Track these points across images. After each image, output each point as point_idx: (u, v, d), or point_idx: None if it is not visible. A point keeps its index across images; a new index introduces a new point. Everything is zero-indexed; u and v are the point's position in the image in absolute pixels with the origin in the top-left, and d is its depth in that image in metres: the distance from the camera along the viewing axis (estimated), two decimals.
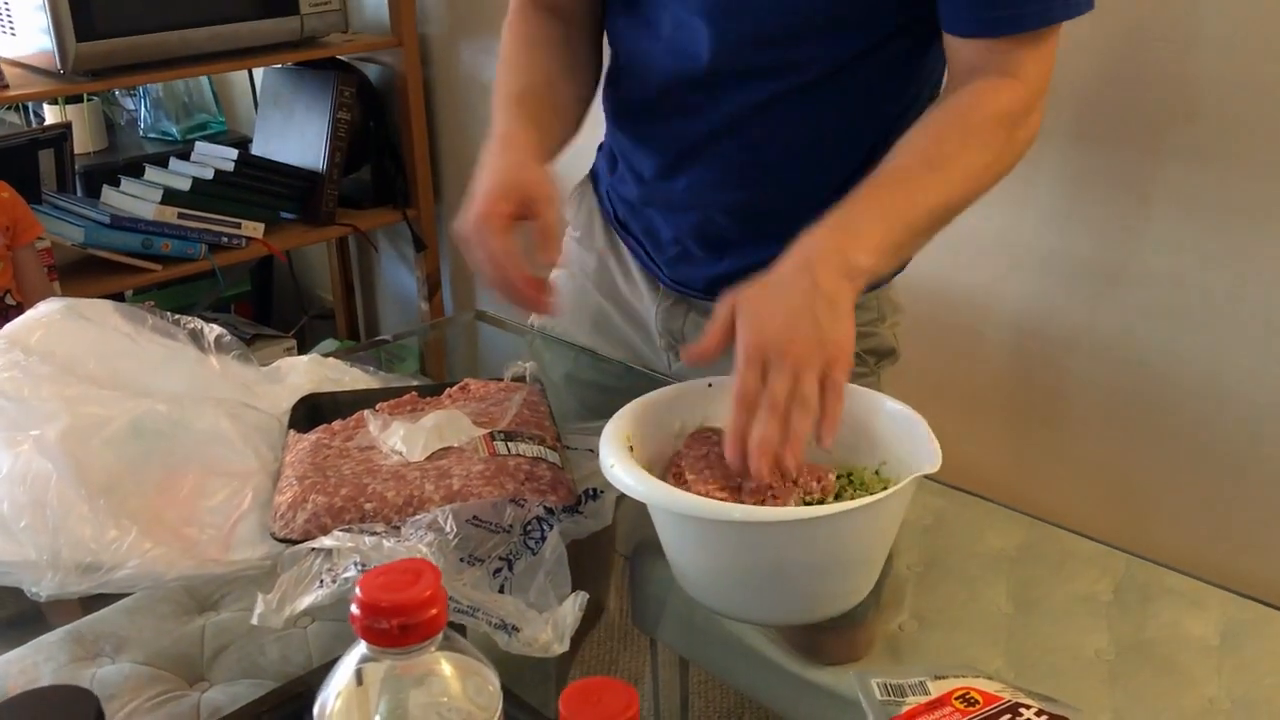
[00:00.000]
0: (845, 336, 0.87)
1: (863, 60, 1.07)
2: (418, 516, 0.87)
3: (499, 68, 1.17)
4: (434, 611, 0.51)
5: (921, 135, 0.99)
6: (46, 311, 1.08)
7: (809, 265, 0.88)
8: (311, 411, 1.06)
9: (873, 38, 1.05)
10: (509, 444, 0.96)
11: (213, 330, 1.12)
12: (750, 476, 0.84)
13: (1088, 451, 1.80)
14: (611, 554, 1.02)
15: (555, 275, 1.39)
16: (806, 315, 0.86)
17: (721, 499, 0.85)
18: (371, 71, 2.73)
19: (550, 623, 0.77)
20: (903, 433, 0.89)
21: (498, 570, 0.84)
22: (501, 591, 0.83)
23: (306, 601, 0.79)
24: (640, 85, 1.17)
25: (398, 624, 0.50)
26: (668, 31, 1.10)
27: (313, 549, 0.84)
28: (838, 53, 1.05)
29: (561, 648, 0.76)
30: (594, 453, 0.99)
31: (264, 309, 3.21)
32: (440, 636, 0.52)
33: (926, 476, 0.83)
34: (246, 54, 2.47)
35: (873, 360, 1.24)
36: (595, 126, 1.25)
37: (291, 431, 1.03)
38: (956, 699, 0.72)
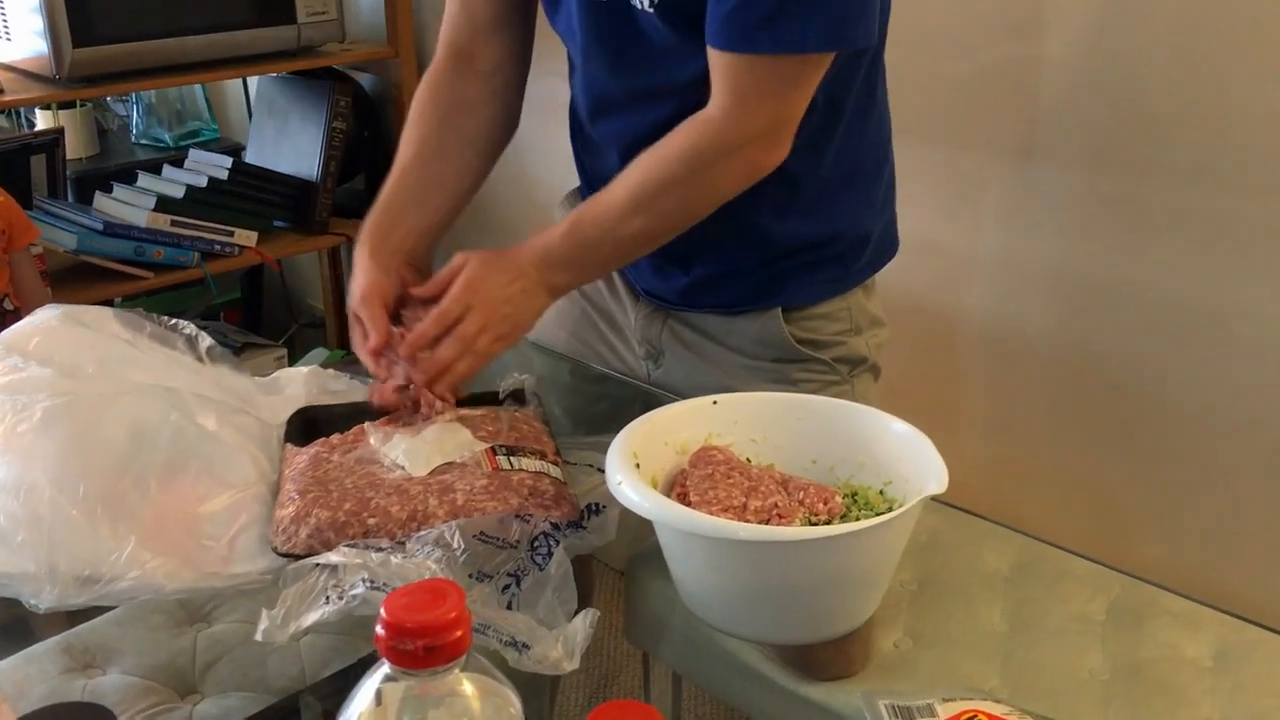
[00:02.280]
0: (523, 326, 1.11)
1: None
2: (423, 532, 0.86)
3: (405, 128, 1.24)
4: (459, 633, 0.51)
5: (634, 169, 1.10)
6: (45, 318, 1.07)
7: (523, 264, 1.10)
8: (307, 424, 1.06)
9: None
10: (511, 458, 0.96)
11: (204, 340, 1.12)
12: (407, 380, 1.05)
13: (1080, 471, 1.81)
14: (593, 569, 1.02)
15: None
16: (510, 296, 1.09)
17: (726, 519, 0.85)
18: (367, 81, 2.73)
19: (560, 640, 0.77)
20: (909, 453, 0.90)
21: (506, 586, 0.84)
22: (510, 608, 0.83)
23: (312, 618, 0.78)
24: (577, 120, 1.27)
25: (423, 645, 0.50)
26: (578, 65, 1.19)
27: (317, 564, 0.83)
28: (700, 74, 1.08)
29: (572, 665, 0.76)
30: (593, 468, 0.99)
31: (254, 317, 3.20)
32: (464, 658, 0.52)
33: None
34: (243, 62, 2.47)
35: (845, 369, 1.26)
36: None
37: (288, 444, 1.03)
38: None
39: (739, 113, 1.05)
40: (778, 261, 1.21)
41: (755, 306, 1.23)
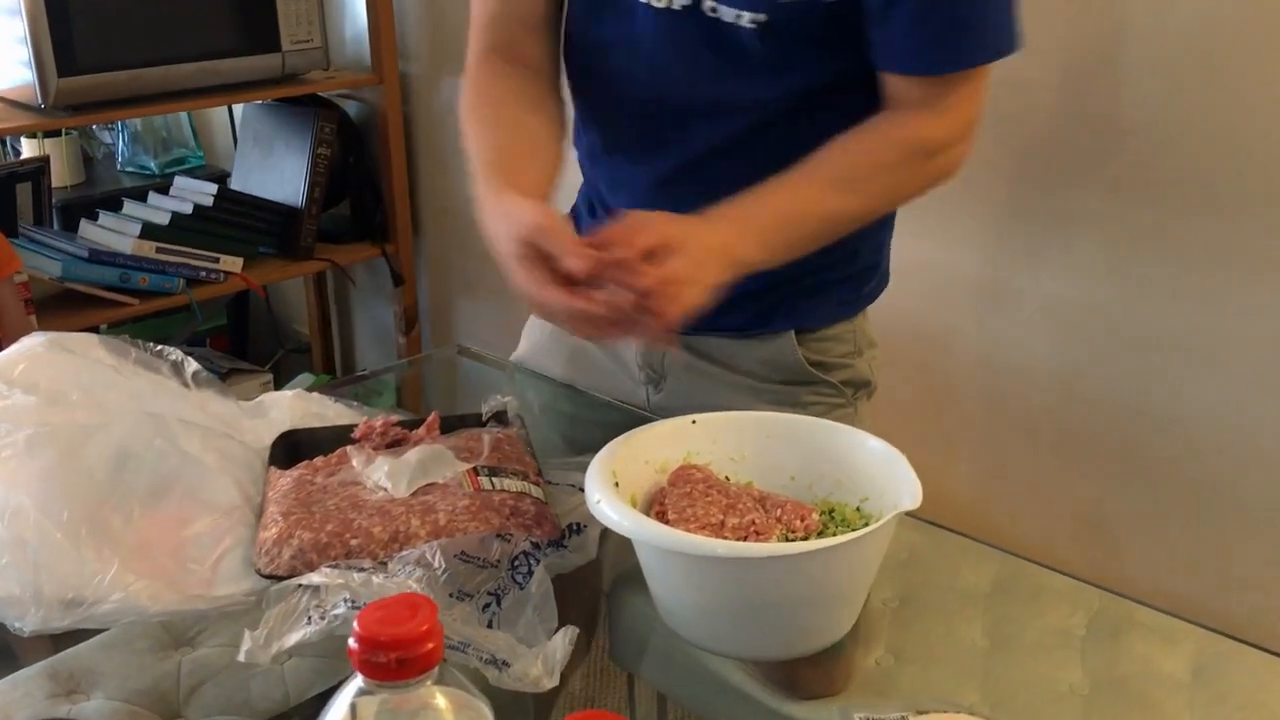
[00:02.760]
0: (695, 295, 0.95)
1: (816, 101, 1.11)
2: (405, 552, 0.87)
3: (470, 120, 1.18)
4: (431, 645, 0.51)
5: (837, 151, 1.06)
6: (30, 345, 1.08)
7: (710, 236, 0.98)
8: (291, 448, 1.07)
9: (817, 82, 1.10)
10: (493, 479, 0.96)
11: (190, 365, 1.12)
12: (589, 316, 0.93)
13: (1060, 488, 1.82)
14: (599, 589, 1.02)
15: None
16: (690, 259, 0.95)
17: (703, 536, 0.86)
18: (351, 108, 2.75)
19: (540, 657, 0.77)
20: (884, 469, 0.91)
21: (486, 605, 0.84)
22: (490, 626, 0.83)
23: (295, 638, 0.79)
24: (611, 129, 1.22)
25: (395, 658, 0.51)
26: (625, 74, 1.15)
27: (300, 585, 0.84)
28: (782, 94, 1.10)
29: (551, 682, 0.77)
30: (575, 487, 1.00)
31: (240, 343, 3.20)
32: (436, 670, 0.53)
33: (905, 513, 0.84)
34: (228, 90, 2.48)
35: (850, 391, 1.26)
36: (571, 169, 1.28)
37: (272, 468, 1.03)
38: None
39: (952, 113, 1.07)
40: (792, 283, 1.20)
41: (766, 329, 1.23)
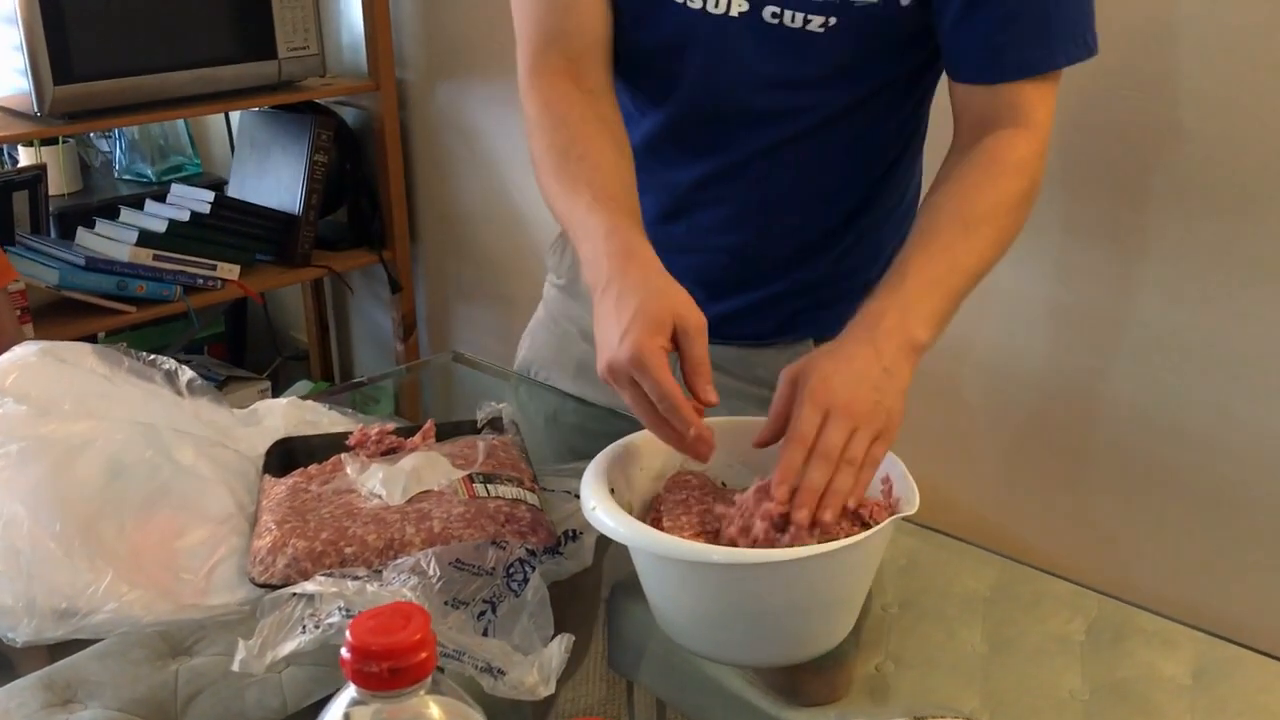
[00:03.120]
0: (898, 410, 0.89)
1: (863, 105, 1.09)
2: (400, 560, 0.87)
3: (551, 146, 1.06)
4: (424, 655, 0.51)
5: (952, 194, 1.01)
6: (22, 354, 1.07)
7: (873, 340, 0.91)
8: (285, 456, 1.06)
9: (873, 85, 1.08)
10: (488, 486, 0.96)
11: (185, 373, 1.12)
12: (790, 520, 0.84)
13: (1061, 493, 1.82)
14: (597, 596, 1.02)
15: (536, 319, 1.40)
16: (868, 382, 0.88)
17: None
18: (348, 115, 2.75)
19: (536, 665, 0.77)
20: (880, 474, 0.90)
21: (481, 613, 0.84)
22: (485, 634, 0.83)
23: (289, 647, 0.78)
24: (650, 134, 1.18)
25: (388, 667, 0.50)
26: (672, 79, 1.11)
27: (294, 594, 0.83)
28: (839, 98, 1.08)
29: (547, 690, 0.76)
30: (571, 494, 0.99)
31: (238, 351, 3.20)
32: (429, 680, 0.52)
33: (903, 518, 0.84)
34: (224, 97, 2.48)
35: None
36: None
37: (266, 476, 1.03)
38: None
39: (1038, 125, 1.04)
40: (814, 291, 1.19)
41: (784, 338, 1.22)
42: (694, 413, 0.87)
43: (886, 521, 0.83)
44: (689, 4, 1.06)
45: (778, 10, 1.03)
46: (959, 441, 1.91)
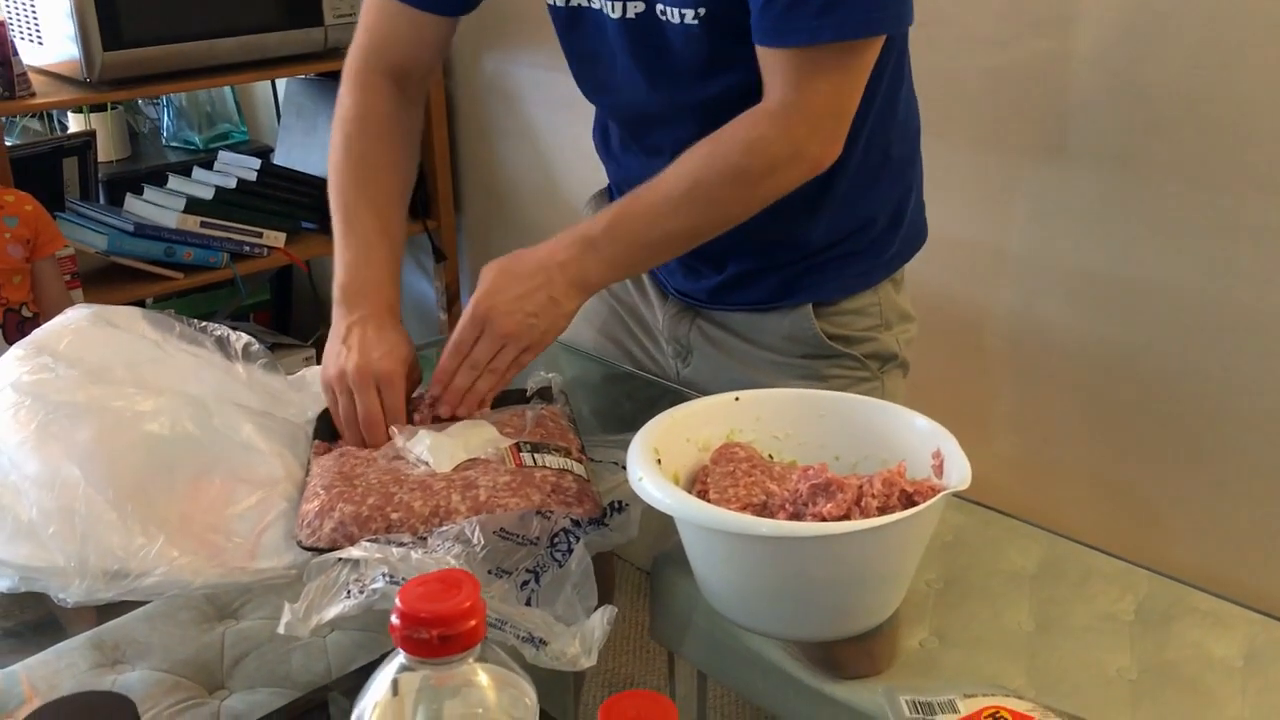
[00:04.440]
0: (555, 329, 1.06)
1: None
2: (445, 528, 0.87)
3: (344, 161, 1.19)
4: (473, 623, 0.51)
5: (688, 160, 1.07)
6: (75, 318, 1.08)
7: (548, 270, 1.05)
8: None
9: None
10: (535, 455, 0.96)
11: (240, 339, 1.13)
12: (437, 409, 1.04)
13: (1102, 467, 1.80)
14: (614, 567, 1.03)
15: None
16: (529, 307, 1.04)
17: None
18: None
19: (578, 636, 0.77)
20: (932, 449, 0.89)
21: (525, 583, 0.84)
22: (529, 604, 0.83)
23: (334, 612, 0.79)
24: (615, 131, 1.26)
25: (437, 634, 0.50)
26: (618, 82, 1.17)
27: (340, 559, 0.84)
28: (745, 79, 1.08)
29: (589, 661, 0.76)
30: (618, 465, 0.99)
31: (283, 318, 3.22)
32: (479, 648, 0.52)
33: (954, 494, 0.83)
34: (270, 64, 2.49)
35: (875, 365, 1.26)
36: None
37: (316, 441, 1.04)
38: (987, 717, 0.71)
39: (801, 105, 1.04)
40: (810, 256, 1.21)
41: (785, 303, 1.23)
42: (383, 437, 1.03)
43: (937, 497, 0.82)
44: (604, 9, 1.11)
45: (664, 8, 1.07)
46: (988, 413, 1.90)
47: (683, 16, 1.06)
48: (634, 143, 1.23)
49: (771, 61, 1.04)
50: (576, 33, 1.17)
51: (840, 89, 1.05)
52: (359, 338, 1.07)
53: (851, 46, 1.03)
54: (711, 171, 1.06)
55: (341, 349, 1.07)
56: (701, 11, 1.05)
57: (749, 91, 1.08)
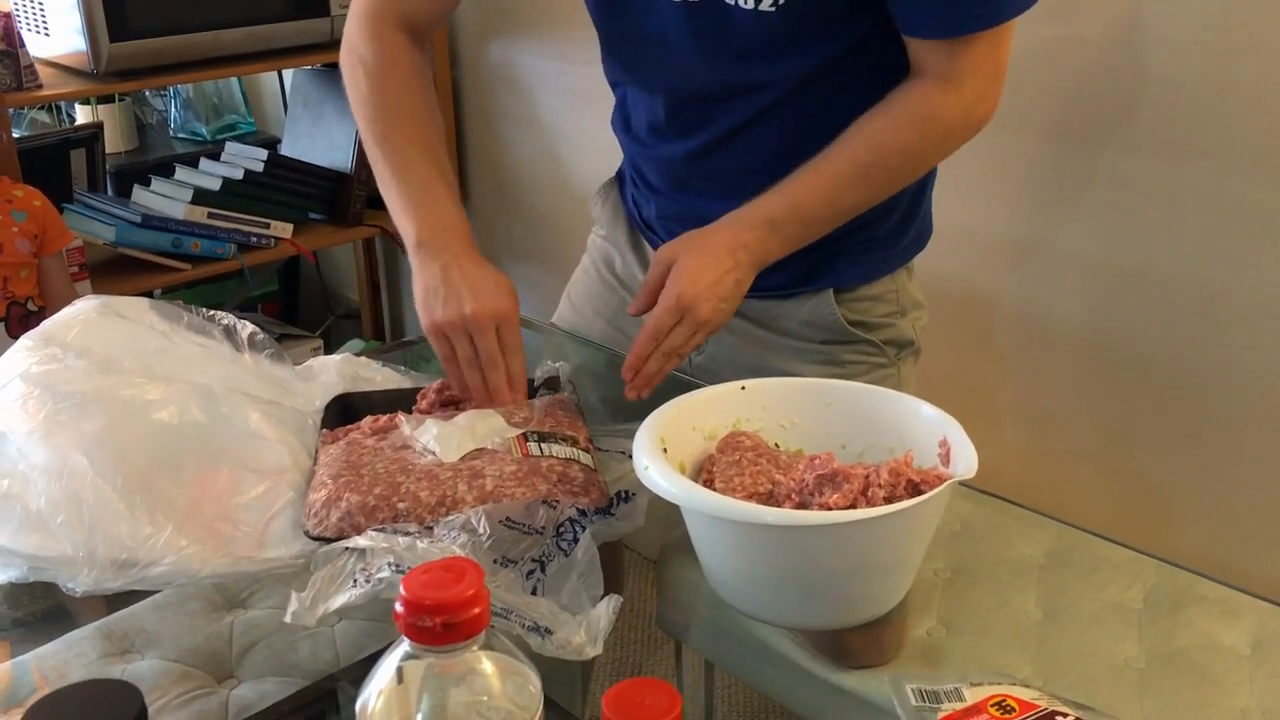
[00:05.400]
0: (733, 310, 1.08)
1: (836, 67, 1.11)
2: (451, 517, 0.87)
3: (380, 106, 1.18)
4: (477, 610, 0.51)
5: (856, 134, 1.08)
6: (84, 308, 1.08)
7: (735, 251, 1.06)
8: (344, 410, 1.07)
9: (842, 47, 1.10)
10: (542, 445, 0.96)
11: (246, 328, 1.13)
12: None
13: (1110, 455, 1.79)
14: (623, 557, 1.03)
15: (580, 267, 1.43)
16: (721, 292, 1.05)
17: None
18: None
19: (583, 625, 0.77)
20: (938, 438, 0.89)
21: (530, 572, 0.84)
22: (534, 593, 0.83)
23: (340, 601, 0.79)
24: (644, 114, 1.24)
25: (441, 622, 0.50)
26: (669, 63, 1.15)
27: (346, 548, 0.84)
28: (808, 65, 1.10)
29: (595, 650, 0.76)
30: (626, 455, 0.99)
31: (291, 309, 3.23)
32: (483, 635, 0.52)
33: (959, 482, 0.83)
34: (277, 55, 2.49)
35: (893, 351, 1.27)
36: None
37: (324, 430, 1.04)
38: (993, 706, 0.71)
39: (969, 73, 1.07)
40: (832, 243, 1.20)
41: (805, 289, 1.23)
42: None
43: (944, 485, 0.82)
44: None
45: None
46: (997, 401, 1.89)
47: (758, 3, 1.05)
48: (673, 122, 1.21)
49: (929, 49, 1.06)
50: (620, 14, 1.15)
51: (999, 49, 1.08)
52: (461, 279, 1.05)
53: (1001, 27, 1.06)
54: (885, 148, 1.08)
55: (445, 292, 1.04)
56: (781, 1, 1.05)
57: (810, 72, 1.09)
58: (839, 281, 1.23)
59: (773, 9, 1.05)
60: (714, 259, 1.05)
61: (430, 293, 1.06)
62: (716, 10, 1.08)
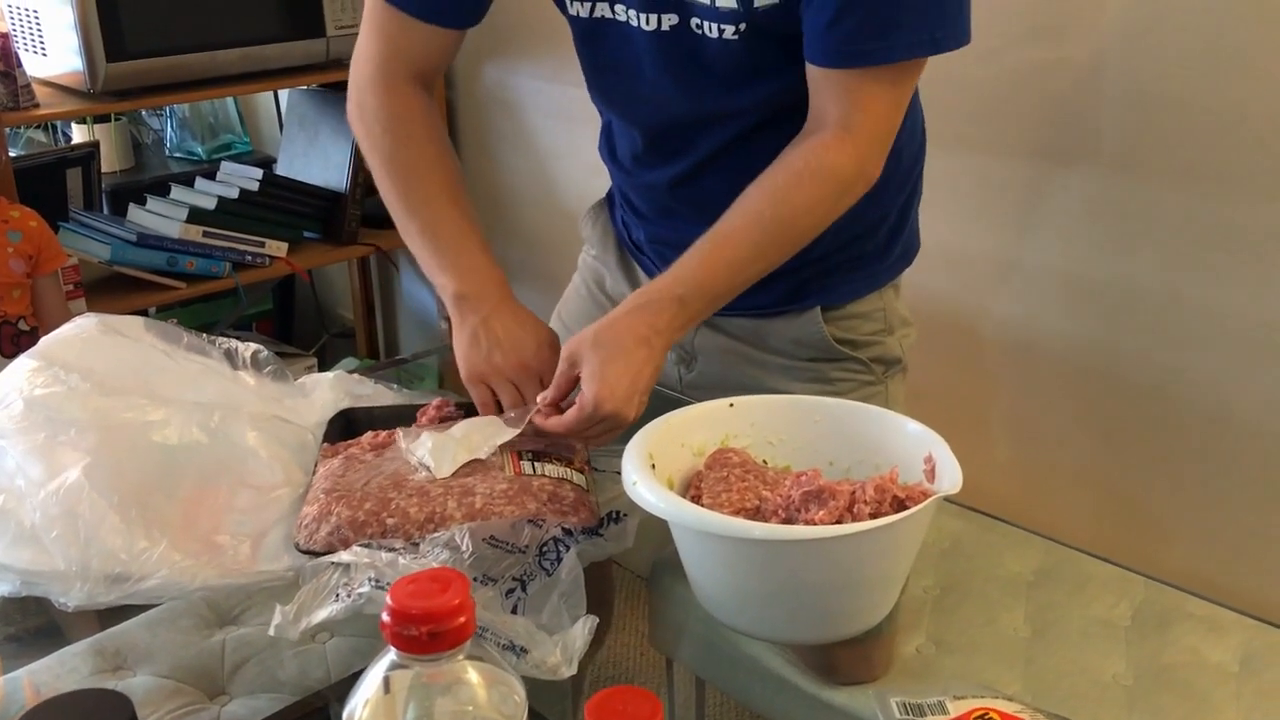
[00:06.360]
0: (645, 403, 1.03)
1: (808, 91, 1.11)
2: (437, 534, 0.87)
3: (403, 163, 1.19)
4: (463, 619, 0.51)
5: (757, 196, 1.06)
6: (83, 326, 1.09)
7: (648, 336, 1.02)
8: (347, 425, 1.08)
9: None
10: (535, 464, 0.96)
11: (249, 348, 1.14)
12: None
13: (1100, 474, 1.80)
14: (612, 576, 1.03)
15: (571, 287, 1.43)
16: (641, 381, 1.01)
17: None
18: None
19: (559, 645, 0.77)
20: (924, 454, 0.90)
21: (511, 590, 0.84)
22: (515, 612, 0.83)
23: (322, 615, 0.79)
24: (627, 142, 1.25)
25: (427, 631, 0.51)
26: (645, 92, 1.16)
27: (333, 563, 0.84)
28: (781, 87, 1.10)
29: (570, 671, 0.76)
30: (620, 474, 1.00)
31: (285, 327, 3.23)
32: (468, 644, 0.53)
33: (945, 499, 0.83)
34: (273, 75, 2.50)
35: (880, 369, 1.27)
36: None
37: (325, 445, 1.04)
38: (975, 719, 0.72)
39: (864, 126, 1.05)
40: (818, 262, 1.22)
41: (792, 307, 1.24)
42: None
43: (928, 501, 0.82)
44: (630, 21, 1.10)
45: (700, 22, 1.07)
46: (986, 419, 1.90)
47: (722, 31, 1.06)
48: (653, 150, 1.23)
49: (828, 81, 1.05)
50: (598, 43, 1.17)
51: (895, 106, 1.07)
52: (503, 331, 1.08)
53: (909, 65, 1.05)
54: (787, 207, 1.06)
55: (488, 344, 1.07)
56: (743, 28, 1.06)
57: (783, 97, 1.10)
58: (826, 299, 1.24)
59: (735, 37, 1.06)
60: (627, 358, 1.01)
61: (472, 344, 1.08)
62: (687, 39, 1.09)
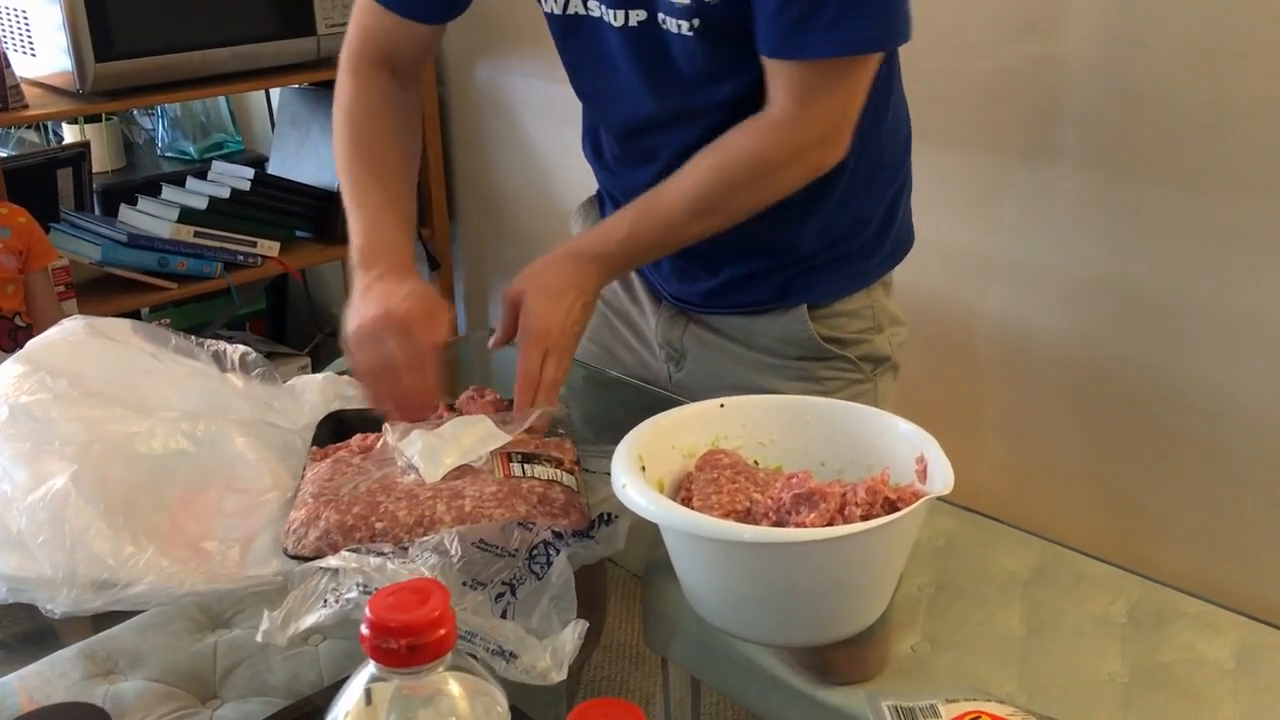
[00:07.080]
0: (586, 322, 1.13)
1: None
2: (426, 538, 0.87)
3: (348, 139, 1.22)
4: (443, 632, 0.51)
5: (694, 174, 1.11)
6: (71, 329, 1.09)
7: (578, 280, 1.11)
8: (336, 428, 1.07)
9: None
10: (525, 466, 0.96)
11: (237, 350, 1.13)
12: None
13: (1095, 473, 1.80)
14: (606, 577, 1.02)
15: None
16: (572, 314, 1.10)
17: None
18: None
19: (549, 650, 0.76)
20: (915, 453, 0.89)
21: (500, 595, 0.83)
22: (504, 616, 0.82)
23: (310, 620, 0.79)
24: (607, 140, 1.26)
25: (406, 644, 0.50)
26: (618, 89, 1.17)
27: (321, 568, 0.84)
28: (745, 82, 1.10)
29: (559, 676, 0.76)
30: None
31: (278, 327, 3.22)
32: (449, 657, 0.52)
33: (938, 498, 0.83)
34: (264, 74, 2.49)
35: (869, 367, 1.27)
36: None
37: (314, 448, 1.04)
38: None
39: (803, 116, 1.06)
40: (804, 260, 1.22)
41: (780, 305, 1.24)
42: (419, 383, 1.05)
43: (919, 502, 0.82)
44: (603, 17, 1.12)
45: (665, 18, 1.08)
46: (970, 413, 1.90)
47: (679, 27, 1.07)
48: (629, 149, 1.24)
49: (776, 71, 1.06)
50: (574, 40, 1.18)
51: (845, 101, 1.07)
52: (378, 291, 1.08)
53: (857, 60, 1.05)
54: (718, 184, 1.09)
55: (361, 304, 1.07)
56: (696, 23, 1.06)
57: (751, 96, 1.09)
58: (813, 297, 1.23)
59: (691, 34, 1.07)
60: (559, 296, 1.09)
61: (351, 307, 1.08)
62: (654, 36, 1.10)
